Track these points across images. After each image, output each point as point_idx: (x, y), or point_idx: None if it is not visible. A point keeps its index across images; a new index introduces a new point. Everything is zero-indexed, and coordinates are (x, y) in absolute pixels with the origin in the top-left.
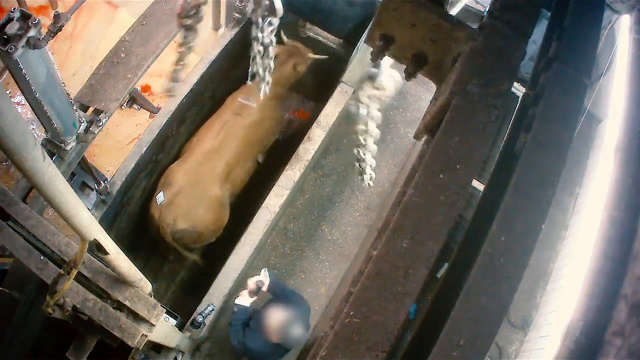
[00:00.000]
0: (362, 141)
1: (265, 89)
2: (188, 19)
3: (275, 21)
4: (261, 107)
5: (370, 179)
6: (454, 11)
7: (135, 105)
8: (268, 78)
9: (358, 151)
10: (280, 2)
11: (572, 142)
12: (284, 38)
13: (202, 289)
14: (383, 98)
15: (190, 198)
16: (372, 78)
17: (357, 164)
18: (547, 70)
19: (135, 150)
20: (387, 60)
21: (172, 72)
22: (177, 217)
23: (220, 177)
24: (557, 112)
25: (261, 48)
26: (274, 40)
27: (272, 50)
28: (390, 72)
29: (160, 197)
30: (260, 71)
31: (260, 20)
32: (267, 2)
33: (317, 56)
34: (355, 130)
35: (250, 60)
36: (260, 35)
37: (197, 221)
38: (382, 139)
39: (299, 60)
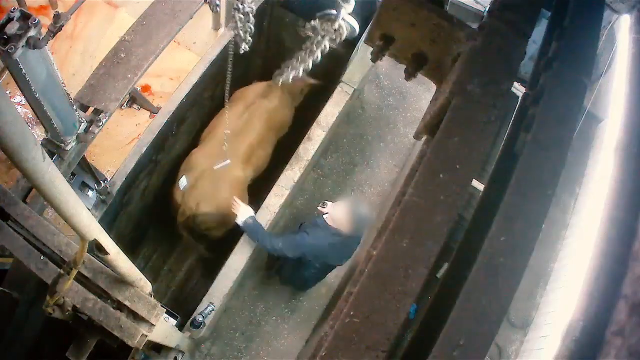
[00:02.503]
0: (306, 52)
1: (245, 47)
2: None
3: None
4: (279, 96)
5: (282, 78)
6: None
7: (135, 105)
8: (249, 38)
9: (299, 55)
10: None
11: (572, 142)
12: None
13: (202, 289)
14: (334, 37)
15: (213, 180)
16: (328, 18)
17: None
18: (547, 70)
19: (135, 150)
20: (345, 10)
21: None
22: (200, 201)
23: (242, 158)
24: (557, 112)
25: (242, 16)
26: (254, 8)
27: (252, 17)
28: (347, 19)
29: (182, 181)
30: (241, 33)
31: None
32: None
33: (314, 81)
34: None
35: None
36: (241, 6)
37: (221, 204)
38: (382, 139)
39: (304, 85)
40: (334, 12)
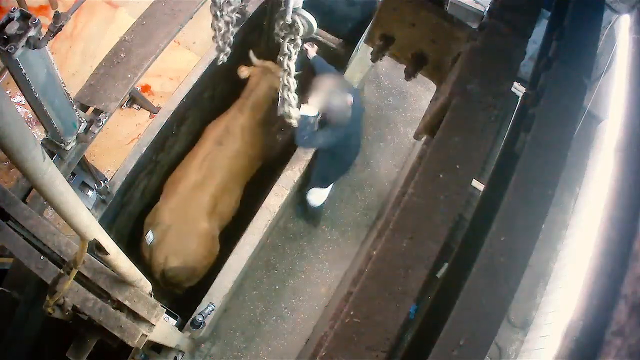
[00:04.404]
0: (285, 80)
1: (224, 58)
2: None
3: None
4: (244, 136)
5: (289, 114)
6: None
7: (135, 105)
8: (228, 49)
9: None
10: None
11: (572, 142)
12: (254, 59)
13: (202, 289)
14: (292, 36)
15: (180, 234)
16: (280, 15)
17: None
18: (547, 70)
19: (135, 150)
20: (293, 2)
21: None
22: (168, 255)
23: (207, 210)
24: (557, 112)
25: (221, 25)
26: (234, 18)
27: (232, 27)
28: (301, 13)
29: (149, 236)
30: (220, 43)
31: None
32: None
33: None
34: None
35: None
36: (219, 13)
37: (189, 257)
38: (382, 139)
39: (272, 79)
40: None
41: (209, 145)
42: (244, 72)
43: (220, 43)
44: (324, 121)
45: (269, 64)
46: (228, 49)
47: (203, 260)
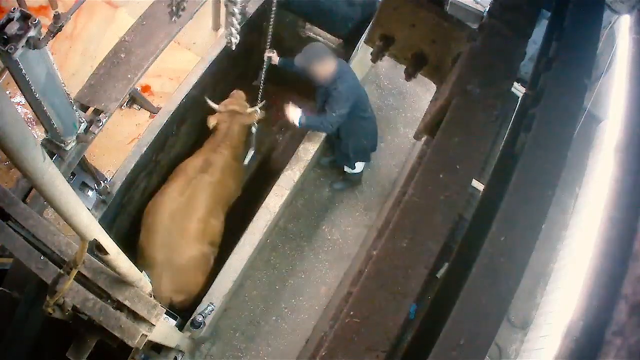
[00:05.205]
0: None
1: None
2: None
3: None
4: (224, 171)
5: (233, 39)
6: None
7: (135, 105)
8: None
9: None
10: None
11: (572, 142)
12: (214, 105)
13: (202, 289)
14: None
15: (175, 272)
16: None
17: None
18: (547, 70)
19: (135, 150)
20: None
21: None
22: (172, 295)
23: (194, 236)
24: (557, 112)
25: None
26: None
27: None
28: None
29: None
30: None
31: None
32: None
33: (255, 108)
34: None
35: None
36: None
37: (191, 287)
38: (382, 139)
39: (242, 119)
40: None
41: (191, 172)
42: (211, 121)
43: (234, 30)
44: (323, 97)
45: (232, 106)
46: (237, 36)
47: (204, 282)
